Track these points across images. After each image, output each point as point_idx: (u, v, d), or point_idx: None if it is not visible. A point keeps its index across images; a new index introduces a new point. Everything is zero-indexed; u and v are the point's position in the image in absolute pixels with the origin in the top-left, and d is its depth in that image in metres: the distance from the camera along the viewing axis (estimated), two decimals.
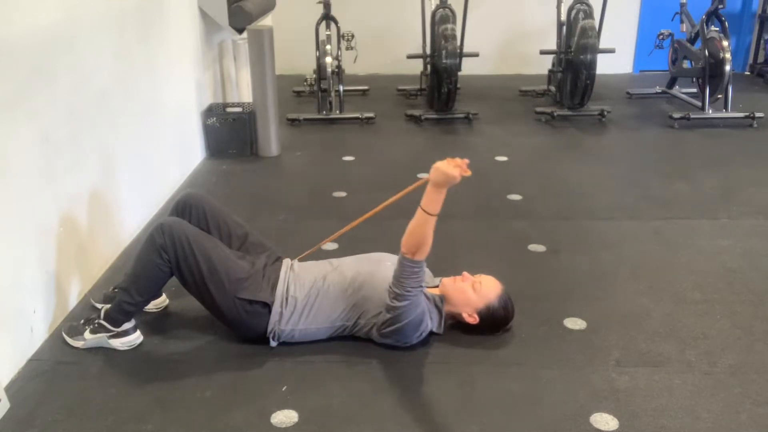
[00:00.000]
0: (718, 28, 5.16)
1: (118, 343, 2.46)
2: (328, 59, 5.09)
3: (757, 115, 5.05)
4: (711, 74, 5.09)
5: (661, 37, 5.64)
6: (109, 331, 2.44)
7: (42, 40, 2.54)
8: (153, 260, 2.35)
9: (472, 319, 2.46)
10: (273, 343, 2.45)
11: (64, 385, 2.29)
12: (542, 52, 5.78)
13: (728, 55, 4.94)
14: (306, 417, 2.14)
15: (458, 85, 5.25)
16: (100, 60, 3.04)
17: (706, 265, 3.07)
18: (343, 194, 3.90)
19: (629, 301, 2.78)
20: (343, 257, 2.66)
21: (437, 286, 2.58)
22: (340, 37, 5.43)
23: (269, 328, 2.42)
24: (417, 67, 5.91)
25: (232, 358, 2.43)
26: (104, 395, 2.24)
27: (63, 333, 2.52)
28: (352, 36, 5.45)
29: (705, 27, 5.19)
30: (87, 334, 2.46)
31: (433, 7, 5.47)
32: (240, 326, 2.45)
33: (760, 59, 6.68)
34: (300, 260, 2.67)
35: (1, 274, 2.29)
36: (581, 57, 5.01)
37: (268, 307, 2.41)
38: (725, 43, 4.99)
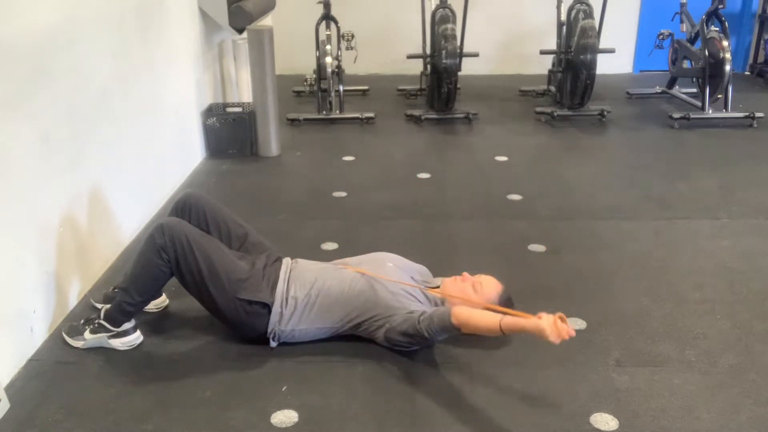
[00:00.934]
0: (718, 28, 5.16)
1: (118, 343, 2.46)
2: (328, 59, 5.09)
3: (757, 115, 5.05)
4: (711, 74, 5.09)
5: (661, 37, 5.64)
6: (109, 331, 2.44)
7: (42, 40, 2.54)
8: (153, 260, 2.34)
9: None
10: (273, 344, 2.45)
11: (64, 385, 2.29)
12: (542, 52, 5.78)
13: (728, 55, 4.94)
14: (306, 417, 2.14)
15: (458, 85, 5.25)
16: (100, 60, 3.04)
17: (706, 265, 3.07)
18: (343, 194, 3.90)
19: (629, 301, 2.78)
20: (344, 258, 2.66)
21: (438, 287, 2.57)
22: (340, 37, 5.43)
23: (269, 329, 2.42)
24: (417, 67, 5.91)
25: (232, 358, 2.43)
26: (104, 395, 2.24)
27: (63, 333, 2.52)
28: (352, 36, 5.45)
29: (705, 27, 5.19)
30: (87, 334, 2.46)
31: (433, 7, 5.47)
32: (240, 326, 2.45)
33: (760, 59, 6.68)
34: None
35: (1, 274, 2.29)
36: (581, 57, 5.01)
37: (267, 307, 2.41)
38: (725, 43, 4.99)
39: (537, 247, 3.24)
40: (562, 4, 5.56)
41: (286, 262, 2.59)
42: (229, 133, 4.49)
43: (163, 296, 2.74)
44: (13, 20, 2.35)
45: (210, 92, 4.64)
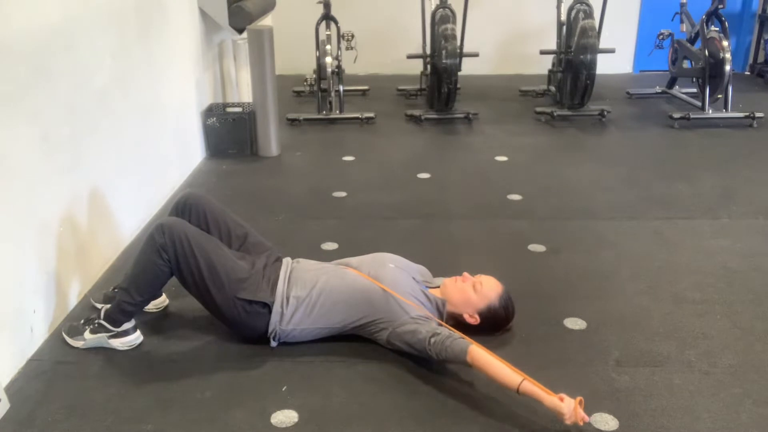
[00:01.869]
0: (718, 28, 5.16)
1: (118, 343, 2.46)
2: (328, 59, 5.09)
3: (757, 115, 5.05)
4: (711, 74, 5.09)
5: (661, 37, 5.63)
6: (109, 331, 2.44)
7: (42, 40, 2.54)
8: (153, 260, 2.34)
9: (473, 319, 2.46)
10: (273, 344, 2.45)
11: (64, 385, 2.29)
12: (542, 52, 5.78)
13: (728, 55, 4.94)
14: (306, 417, 2.14)
15: (458, 85, 5.25)
16: (100, 60, 3.04)
17: (706, 265, 3.06)
18: (343, 194, 3.90)
19: (629, 301, 2.78)
20: (344, 258, 2.66)
21: (438, 287, 2.57)
22: (340, 37, 5.43)
23: (270, 329, 2.42)
24: (417, 67, 5.91)
25: (232, 358, 2.43)
26: (104, 395, 2.24)
27: (63, 333, 2.52)
28: (352, 36, 5.45)
29: (705, 27, 5.18)
30: (87, 334, 2.46)
31: (433, 7, 5.47)
32: (240, 326, 2.45)
33: (760, 59, 6.68)
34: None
35: (1, 274, 2.29)
36: (581, 57, 5.01)
37: (268, 307, 2.40)
38: (725, 43, 4.99)
39: (537, 247, 3.24)
40: (562, 4, 5.56)
41: (287, 261, 2.59)
42: (229, 133, 4.49)
43: (163, 296, 2.74)
44: (13, 20, 2.35)
45: (210, 92, 4.64)
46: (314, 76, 5.30)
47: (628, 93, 5.93)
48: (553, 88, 5.75)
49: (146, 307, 2.65)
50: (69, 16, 2.75)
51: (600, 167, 4.30)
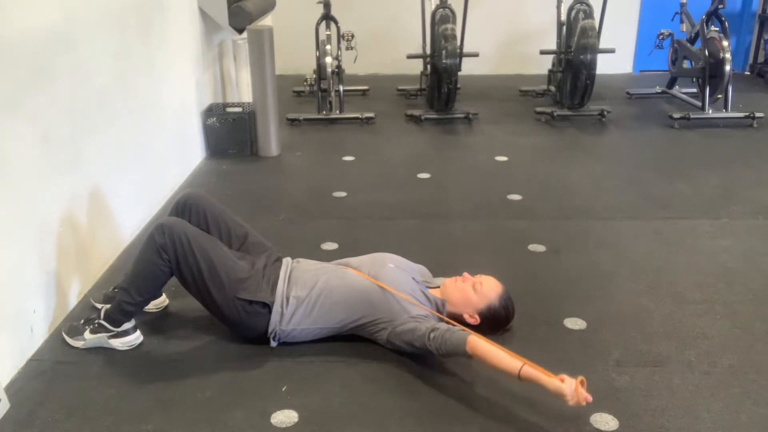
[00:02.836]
0: (718, 28, 5.16)
1: (118, 343, 2.46)
2: (328, 59, 5.09)
3: (757, 115, 5.05)
4: (711, 74, 5.09)
5: (661, 37, 5.63)
6: (109, 331, 2.44)
7: (42, 40, 2.54)
8: (153, 260, 2.34)
9: (473, 319, 2.46)
10: (273, 344, 2.45)
11: (64, 385, 2.29)
12: (542, 52, 5.78)
13: (728, 55, 4.94)
14: (306, 417, 2.14)
15: (458, 85, 5.25)
16: (100, 60, 3.04)
17: (706, 265, 3.07)
18: (343, 194, 3.90)
19: (629, 301, 2.78)
20: (344, 258, 2.66)
21: (438, 287, 2.57)
22: (340, 37, 5.43)
23: (270, 329, 2.42)
24: (417, 67, 5.91)
25: (232, 358, 2.43)
26: (104, 395, 2.24)
27: (63, 333, 2.52)
28: (352, 36, 5.45)
29: (705, 27, 5.19)
30: (87, 334, 2.46)
31: (433, 7, 5.47)
32: (240, 326, 2.45)
33: (760, 59, 6.68)
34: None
35: (1, 274, 2.29)
36: (581, 57, 5.01)
37: (268, 307, 2.40)
38: (725, 43, 4.99)
39: (537, 247, 3.24)
40: (562, 4, 5.56)
41: (287, 261, 2.59)
42: (229, 133, 4.49)
43: (163, 296, 2.74)
44: (13, 20, 2.35)
45: (210, 92, 4.64)
46: (314, 76, 5.30)
47: (628, 93, 5.93)
48: (553, 88, 5.76)
49: (146, 307, 2.65)
50: (69, 16, 2.75)
51: (600, 167, 4.30)
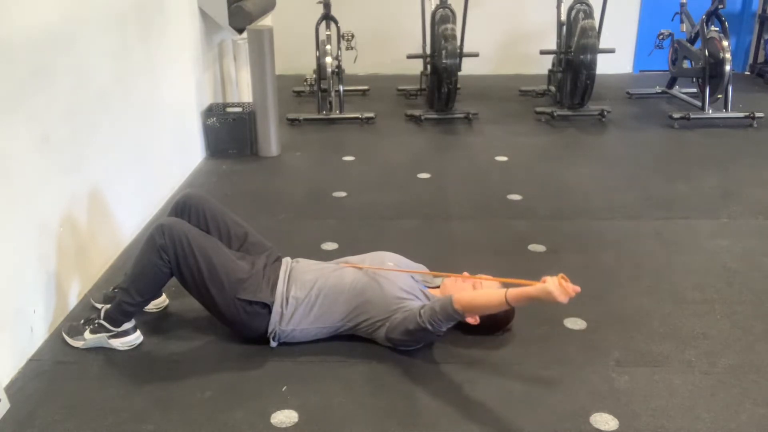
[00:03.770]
0: (718, 28, 5.15)
1: (118, 343, 2.46)
2: (328, 59, 5.09)
3: (757, 115, 5.05)
4: (711, 74, 5.09)
5: (661, 37, 5.63)
6: (109, 331, 2.44)
7: (42, 40, 2.54)
8: (153, 261, 2.34)
9: (473, 319, 2.46)
10: (273, 344, 2.45)
11: (64, 385, 2.29)
12: (542, 52, 5.78)
13: (728, 55, 4.94)
14: (306, 417, 2.14)
15: (458, 85, 5.25)
16: (100, 60, 3.04)
17: (706, 265, 3.06)
18: (343, 194, 3.90)
19: (629, 301, 2.78)
20: (344, 257, 2.66)
21: (438, 287, 2.57)
22: (340, 37, 5.43)
23: (270, 329, 2.42)
24: (417, 67, 5.91)
25: (232, 358, 2.43)
26: (104, 395, 2.24)
27: (63, 333, 2.52)
28: (352, 36, 5.45)
29: (705, 27, 5.18)
30: (87, 334, 2.46)
31: (433, 7, 5.47)
32: (240, 327, 2.45)
33: (760, 59, 6.67)
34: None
35: (1, 274, 2.29)
36: (581, 57, 5.01)
37: (268, 307, 2.41)
38: (725, 43, 4.99)
39: (537, 247, 3.24)
40: (562, 4, 5.56)
41: (286, 261, 2.59)
42: (229, 133, 4.49)
43: (163, 296, 2.74)
44: (12, 20, 2.35)
45: (210, 92, 4.64)
46: (314, 76, 5.30)
47: (628, 93, 5.92)
48: (553, 88, 5.75)
49: (146, 307, 2.65)
50: (69, 16, 2.75)
51: (600, 167, 4.30)
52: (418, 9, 5.73)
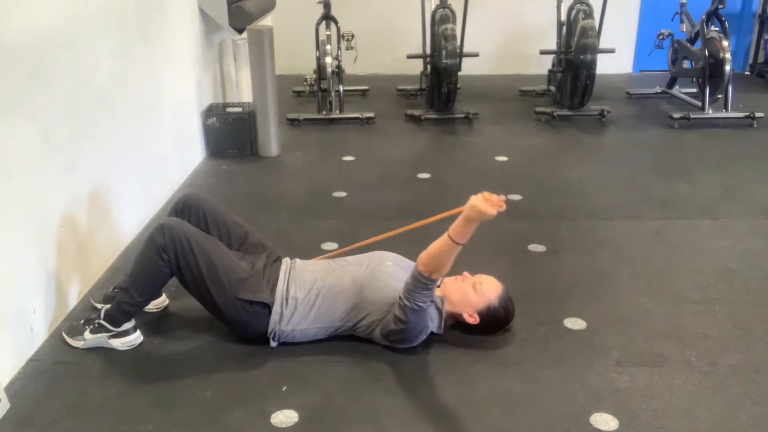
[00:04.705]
0: (718, 28, 5.16)
1: (118, 343, 2.46)
2: (328, 59, 5.09)
3: (757, 115, 5.05)
4: (711, 74, 5.09)
5: (661, 37, 5.63)
6: (109, 331, 2.44)
7: (42, 40, 2.54)
8: (153, 261, 2.34)
9: (473, 319, 2.46)
10: (273, 344, 2.45)
11: (64, 385, 2.29)
12: (542, 52, 5.78)
13: (728, 55, 4.94)
14: (306, 417, 2.14)
15: (458, 85, 5.25)
16: (100, 60, 3.04)
17: (706, 265, 3.06)
18: (343, 194, 3.90)
19: (629, 301, 2.78)
20: (343, 257, 2.66)
21: (438, 287, 2.57)
22: (340, 37, 5.43)
23: (269, 329, 2.42)
24: (417, 67, 5.91)
25: (232, 358, 2.43)
26: (104, 395, 2.24)
27: (63, 333, 2.52)
28: (352, 36, 5.45)
29: (705, 27, 5.18)
30: (87, 334, 2.46)
31: (433, 7, 5.47)
32: (240, 327, 2.45)
33: (760, 59, 6.67)
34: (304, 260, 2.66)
35: (1, 274, 2.29)
36: (581, 57, 5.01)
37: (268, 307, 2.41)
38: (725, 43, 4.99)
39: (537, 247, 3.24)
40: (562, 4, 5.56)
41: (286, 261, 2.59)
42: (229, 133, 4.49)
43: (163, 296, 2.74)
44: (13, 20, 2.35)
45: (210, 92, 4.64)
46: (314, 76, 5.30)
47: (628, 93, 5.92)
48: (553, 88, 5.75)
49: (146, 307, 2.65)
50: (69, 16, 2.75)
51: (600, 167, 4.30)
52: (418, 9, 5.73)
